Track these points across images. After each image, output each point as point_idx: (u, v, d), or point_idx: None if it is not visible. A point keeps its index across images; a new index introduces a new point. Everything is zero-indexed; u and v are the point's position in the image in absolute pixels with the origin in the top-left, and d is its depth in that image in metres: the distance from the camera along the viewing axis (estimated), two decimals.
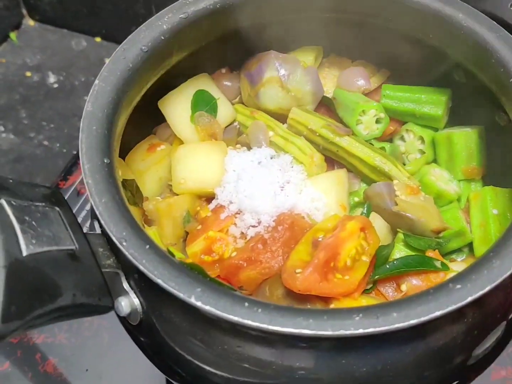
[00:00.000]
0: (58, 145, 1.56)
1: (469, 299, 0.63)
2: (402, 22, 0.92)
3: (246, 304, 0.63)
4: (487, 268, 0.66)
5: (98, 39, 1.75)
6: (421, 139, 1.00)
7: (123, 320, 0.80)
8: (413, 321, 0.62)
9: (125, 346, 0.93)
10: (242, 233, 0.87)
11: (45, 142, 1.56)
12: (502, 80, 0.84)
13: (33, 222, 0.66)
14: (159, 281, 0.65)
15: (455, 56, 0.91)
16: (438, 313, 0.62)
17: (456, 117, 1.01)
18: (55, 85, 1.68)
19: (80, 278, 0.66)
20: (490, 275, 0.65)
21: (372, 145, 0.98)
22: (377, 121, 1.00)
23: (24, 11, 1.78)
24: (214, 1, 0.90)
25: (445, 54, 0.91)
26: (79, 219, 1.17)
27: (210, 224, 0.88)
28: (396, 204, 0.88)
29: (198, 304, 0.63)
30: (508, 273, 0.66)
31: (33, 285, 0.62)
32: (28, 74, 1.69)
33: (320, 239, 0.82)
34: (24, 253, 0.62)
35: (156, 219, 0.92)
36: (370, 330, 0.61)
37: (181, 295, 0.64)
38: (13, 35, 1.73)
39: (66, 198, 1.28)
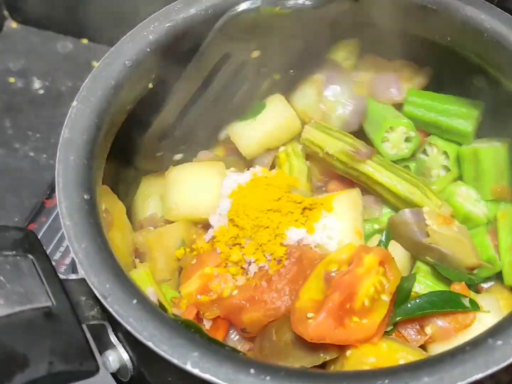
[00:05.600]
0: (44, 156, 1.47)
1: None
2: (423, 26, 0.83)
3: (252, 371, 0.54)
4: None
5: (84, 41, 1.66)
6: (445, 154, 0.90)
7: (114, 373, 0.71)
8: None
9: None
10: (243, 268, 0.78)
11: (31, 153, 1.47)
12: None
13: (1, 278, 0.58)
14: (150, 344, 0.56)
15: (477, 62, 0.82)
16: (477, 376, 0.53)
17: (483, 129, 0.90)
18: (41, 91, 1.59)
19: (57, 342, 0.57)
20: None
21: (396, 163, 0.88)
22: (407, 140, 0.89)
23: (6, 13, 1.69)
24: (206, 6, 0.80)
25: (468, 58, 0.82)
26: (65, 244, 1.08)
27: (206, 258, 0.78)
28: (428, 236, 0.79)
29: (195, 371, 0.55)
30: None
31: (0, 356, 0.53)
32: (12, 80, 1.60)
33: (333, 274, 0.72)
34: None
35: (147, 252, 0.82)
36: None
37: (175, 361, 0.55)
38: None
39: (51, 218, 1.21)
